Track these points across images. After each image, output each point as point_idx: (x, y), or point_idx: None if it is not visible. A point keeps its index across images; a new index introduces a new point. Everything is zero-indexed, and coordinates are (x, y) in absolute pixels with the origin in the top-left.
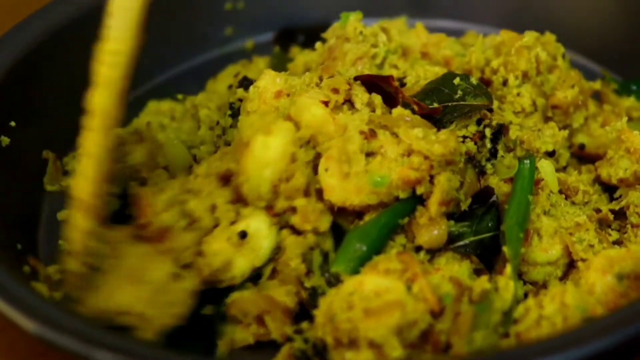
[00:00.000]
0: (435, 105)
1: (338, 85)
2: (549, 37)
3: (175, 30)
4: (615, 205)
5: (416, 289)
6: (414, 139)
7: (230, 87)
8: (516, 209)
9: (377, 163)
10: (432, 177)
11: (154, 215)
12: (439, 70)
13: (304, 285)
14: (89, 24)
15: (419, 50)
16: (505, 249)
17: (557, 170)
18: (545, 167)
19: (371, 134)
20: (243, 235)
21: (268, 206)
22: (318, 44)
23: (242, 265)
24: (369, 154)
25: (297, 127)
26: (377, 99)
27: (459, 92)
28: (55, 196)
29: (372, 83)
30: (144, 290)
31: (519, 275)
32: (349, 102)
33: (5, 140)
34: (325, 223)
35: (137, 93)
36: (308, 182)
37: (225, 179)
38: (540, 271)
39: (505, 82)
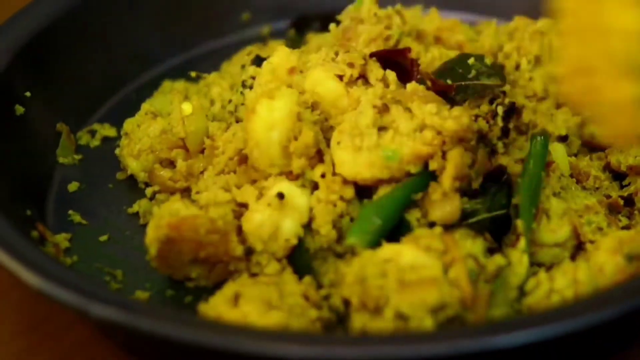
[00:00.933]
0: (449, 82)
1: (354, 60)
2: None
3: (192, 13)
4: (625, 192)
5: (453, 274)
6: (427, 114)
7: (243, 66)
8: (528, 183)
9: (390, 137)
10: (444, 153)
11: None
12: (454, 54)
13: (335, 251)
14: (107, 2)
15: (432, 35)
16: (518, 222)
17: (569, 156)
18: (557, 150)
19: (384, 109)
20: (281, 196)
21: (286, 173)
22: (332, 26)
23: (290, 226)
24: (382, 129)
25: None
26: (392, 75)
27: (473, 72)
28: (66, 168)
29: (387, 59)
30: None
31: None
32: (364, 77)
33: (20, 109)
34: (349, 192)
35: (152, 74)
36: (317, 139)
37: (243, 159)
38: (548, 252)
39: (517, 67)
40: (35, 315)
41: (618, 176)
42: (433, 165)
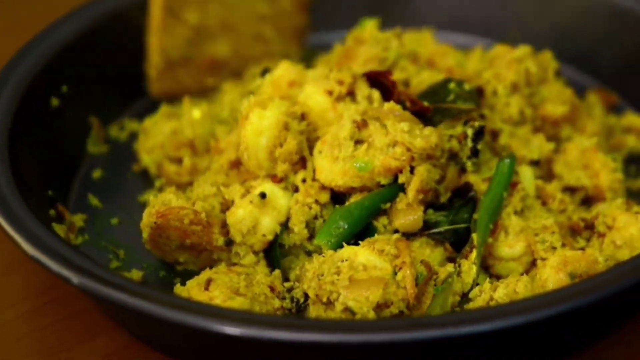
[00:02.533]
0: (426, 104)
1: (343, 78)
2: (546, 53)
3: None
4: (588, 215)
5: (400, 276)
6: (399, 132)
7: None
8: (490, 201)
9: (364, 150)
10: (413, 168)
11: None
12: (442, 77)
13: (306, 249)
14: (142, 13)
15: (425, 59)
16: (474, 235)
17: (540, 179)
18: (525, 172)
19: (363, 124)
20: (263, 195)
21: (271, 175)
22: (336, 45)
23: (268, 223)
24: (359, 142)
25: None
26: (376, 93)
27: (452, 96)
28: (94, 157)
29: (374, 79)
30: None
31: (486, 269)
32: (352, 94)
33: (55, 102)
34: (324, 196)
35: None
36: (300, 147)
37: (235, 163)
38: (505, 266)
39: (495, 92)
40: (43, 284)
41: (588, 200)
42: (402, 179)
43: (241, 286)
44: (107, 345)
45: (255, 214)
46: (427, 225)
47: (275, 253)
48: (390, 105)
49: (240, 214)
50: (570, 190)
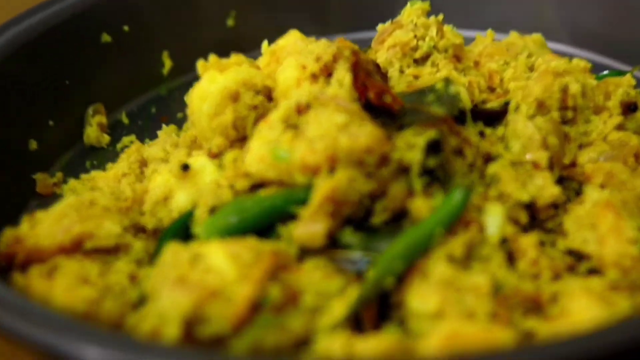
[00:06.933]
0: (389, 100)
1: (321, 55)
2: (624, 77)
3: None
4: (552, 288)
5: (236, 289)
6: (330, 123)
7: None
8: (411, 236)
9: (289, 138)
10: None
11: None
12: (465, 80)
13: None
14: None
15: (473, 60)
16: (370, 271)
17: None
18: (492, 212)
19: (305, 108)
20: (185, 167)
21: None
22: (379, 26)
23: (181, 198)
24: (294, 127)
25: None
26: (347, 78)
27: (431, 97)
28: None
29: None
30: None
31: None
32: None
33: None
34: (242, 183)
35: None
36: (242, 124)
37: None
38: (418, 323)
39: (517, 108)
40: None
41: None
42: (316, 181)
43: (92, 274)
44: None
45: (171, 184)
46: (335, 245)
47: (166, 231)
48: (334, 90)
49: (158, 181)
50: (575, 255)
